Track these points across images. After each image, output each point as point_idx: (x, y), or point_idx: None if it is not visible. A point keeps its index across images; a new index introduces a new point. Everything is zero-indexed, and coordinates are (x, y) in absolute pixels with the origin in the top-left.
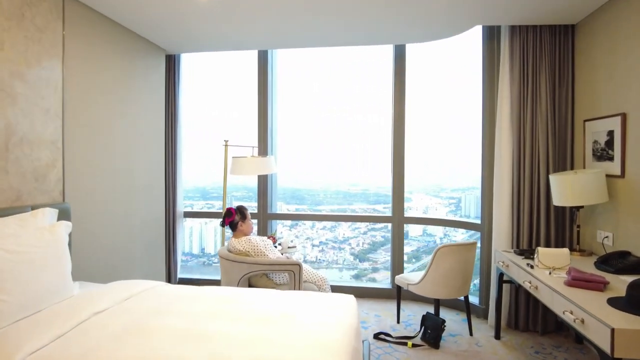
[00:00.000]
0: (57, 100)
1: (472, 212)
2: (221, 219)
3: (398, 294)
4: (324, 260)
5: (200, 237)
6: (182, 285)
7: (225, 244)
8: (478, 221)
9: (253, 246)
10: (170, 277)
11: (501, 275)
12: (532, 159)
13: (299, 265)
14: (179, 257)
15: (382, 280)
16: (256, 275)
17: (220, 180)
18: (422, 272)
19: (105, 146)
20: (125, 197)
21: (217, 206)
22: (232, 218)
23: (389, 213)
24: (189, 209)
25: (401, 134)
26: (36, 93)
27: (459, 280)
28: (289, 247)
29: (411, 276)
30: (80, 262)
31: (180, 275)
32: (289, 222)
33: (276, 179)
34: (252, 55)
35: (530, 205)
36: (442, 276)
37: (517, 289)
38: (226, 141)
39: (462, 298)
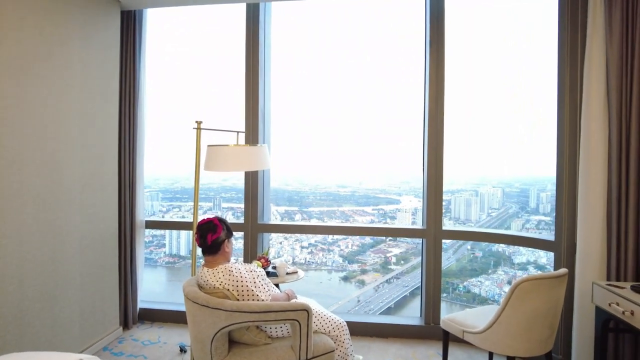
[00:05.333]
0: None
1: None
2: (196, 235)
3: (445, 343)
4: (313, 262)
5: (188, 237)
6: None
7: (196, 271)
8: (547, 236)
9: (235, 281)
10: (126, 310)
11: (607, 321)
12: None
13: (306, 311)
14: (140, 280)
15: (371, 282)
16: (240, 328)
17: (211, 180)
18: (482, 313)
19: (12, 128)
20: (43, 206)
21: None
22: (217, 234)
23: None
24: (153, 218)
25: (439, 115)
26: None
27: (545, 330)
28: (287, 274)
29: (466, 318)
30: None
31: (142, 305)
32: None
33: (269, 178)
34: (239, 12)
35: (637, 219)
36: (522, 324)
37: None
38: (199, 123)
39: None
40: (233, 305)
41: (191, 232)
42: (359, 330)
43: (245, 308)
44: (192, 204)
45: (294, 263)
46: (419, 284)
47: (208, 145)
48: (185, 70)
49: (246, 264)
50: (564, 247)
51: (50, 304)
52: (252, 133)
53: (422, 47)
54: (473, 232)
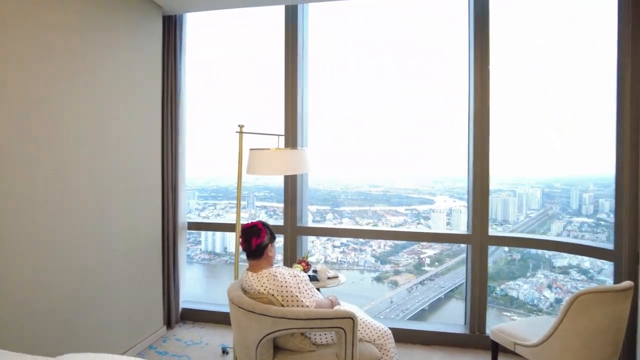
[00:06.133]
0: None
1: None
2: (241, 239)
3: (494, 355)
4: (345, 262)
5: (223, 235)
6: None
7: (239, 275)
8: (606, 244)
9: (280, 286)
10: (170, 310)
11: None
12: None
13: (352, 319)
14: (182, 281)
15: (404, 283)
16: (286, 335)
17: (245, 179)
18: (534, 324)
19: (58, 133)
20: (92, 207)
21: (237, 213)
22: (262, 238)
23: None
24: (196, 219)
25: (484, 117)
26: None
27: (607, 347)
28: (329, 278)
29: (517, 329)
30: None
31: (184, 305)
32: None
33: (306, 179)
34: (278, 14)
35: None
36: (582, 339)
37: None
38: (241, 126)
39: None
40: (278, 311)
41: (232, 233)
42: (400, 336)
43: (290, 315)
44: (227, 202)
45: (325, 262)
46: (454, 287)
47: (250, 149)
48: (224, 73)
49: (289, 268)
50: (625, 256)
51: (101, 304)
52: (291, 136)
53: (459, 46)
54: (522, 238)
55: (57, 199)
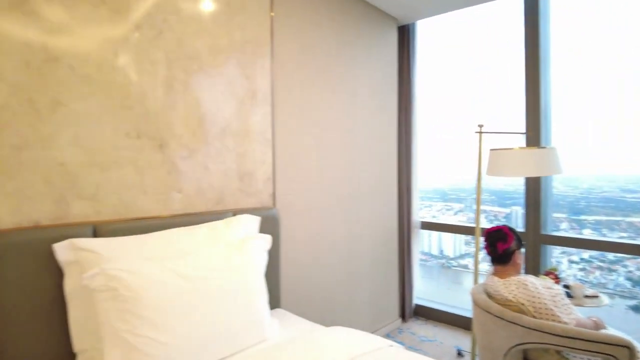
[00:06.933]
0: (264, 81)
1: None
2: (485, 243)
3: None
4: (586, 281)
5: (439, 236)
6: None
7: (480, 280)
8: None
9: (532, 297)
10: (404, 304)
11: None
12: None
13: (628, 348)
14: (415, 279)
15: None
16: (538, 349)
17: (463, 180)
18: None
19: (319, 138)
20: (345, 205)
21: (461, 212)
22: (509, 244)
23: None
24: (427, 219)
25: None
26: (240, 72)
27: None
28: (586, 297)
29: None
30: (286, 283)
31: (416, 301)
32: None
33: (551, 182)
34: (514, 5)
35: None
36: None
37: None
38: (480, 126)
39: None
40: (531, 322)
41: (451, 236)
42: None
43: (547, 329)
44: (443, 204)
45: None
46: None
47: (491, 150)
48: (455, 74)
49: (539, 278)
50: None
51: (350, 288)
52: (534, 134)
53: None
54: None
55: (319, 196)
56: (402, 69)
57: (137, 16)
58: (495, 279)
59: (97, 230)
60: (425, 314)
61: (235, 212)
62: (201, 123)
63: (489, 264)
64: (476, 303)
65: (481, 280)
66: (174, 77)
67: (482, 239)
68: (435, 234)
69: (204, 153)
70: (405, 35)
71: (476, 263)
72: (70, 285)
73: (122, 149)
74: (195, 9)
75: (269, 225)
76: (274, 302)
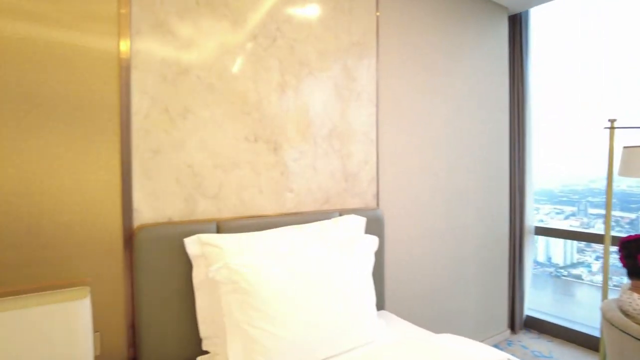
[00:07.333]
0: (369, 82)
1: None
2: (620, 254)
3: None
4: None
5: (547, 242)
6: None
7: (610, 295)
8: None
9: None
10: (514, 314)
11: None
12: None
13: None
14: (527, 287)
15: None
16: None
17: (576, 181)
18: None
19: (423, 137)
20: (449, 206)
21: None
22: None
23: None
24: (542, 224)
25: None
26: (346, 74)
27: None
28: None
29: None
30: (389, 285)
31: (528, 312)
32: None
33: None
34: None
35: None
36: None
37: None
38: (612, 121)
39: None
40: None
41: (561, 242)
42: None
43: None
44: (551, 207)
45: None
46: None
47: (624, 147)
48: (574, 65)
49: None
50: None
51: (454, 294)
52: None
53: None
54: None
55: (422, 197)
56: (514, 62)
57: (254, 26)
58: (635, 295)
59: (219, 227)
60: (538, 326)
61: (341, 212)
62: (310, 125)
63: (626, 277)
64: (610, 322)
65: (612, 295)
66: (286, 83)
67: (614, 249)
68: (542, 238)
69: (312, 154)
70: (516, 25)
71: (605, 276)
72: (197, 276)
73: (241, 151)
74: (305, 15)
75: (374, 225)
76: (379, 303)
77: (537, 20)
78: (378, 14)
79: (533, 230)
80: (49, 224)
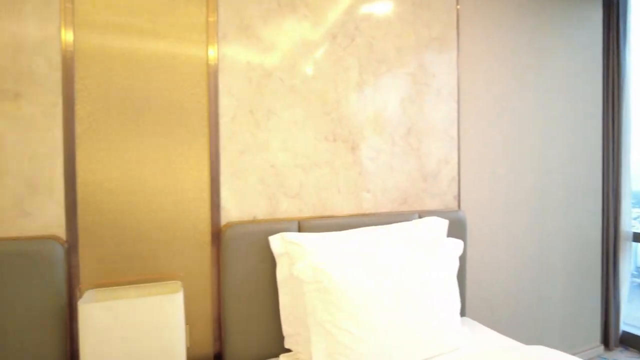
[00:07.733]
0: (450, 77)
1: None
2: None
3: None
4: None
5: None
6: None
7: None
8: None
9: None
10: (607, 328)
11: None
12: None
13: None
14: (623, 299)
15: None
16: None
17: None
18: None
19: (507, 135)
20: (535, 209)
21: None
22: None
23: None
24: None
25: None
26: (425, 70)
27: None
28: None
29: None
30: (471, 291)
31: (624, 327)
32: None
33: None
34: None
35: None
36: None
37: None
38: None
39: None
40: None
41: None
42: None
43: None
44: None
45: None
46: None
47: None
48: None
49: None
50: None
51: (539, 302)
52: None
53: None
54: None
55: (506, 199)
56: (609, 52)
57: (333, 25)
58: None
59: (300, 226)
60: (637, 344)
61: (420, 214)
62: (387, 124)
63: None
64: None
65: None
66: (365, 82)
67: None
68: (633, 245)
69: (389, 153)
70: (612, 11)
71: None
72: (281, 274)
73: (321, 151)
74: (383, 12)
75: (456, 228)
76: (461, 309)
77: (639, 3)
78: (458, 7)
79: (631, 237)
80: (147, 221)
